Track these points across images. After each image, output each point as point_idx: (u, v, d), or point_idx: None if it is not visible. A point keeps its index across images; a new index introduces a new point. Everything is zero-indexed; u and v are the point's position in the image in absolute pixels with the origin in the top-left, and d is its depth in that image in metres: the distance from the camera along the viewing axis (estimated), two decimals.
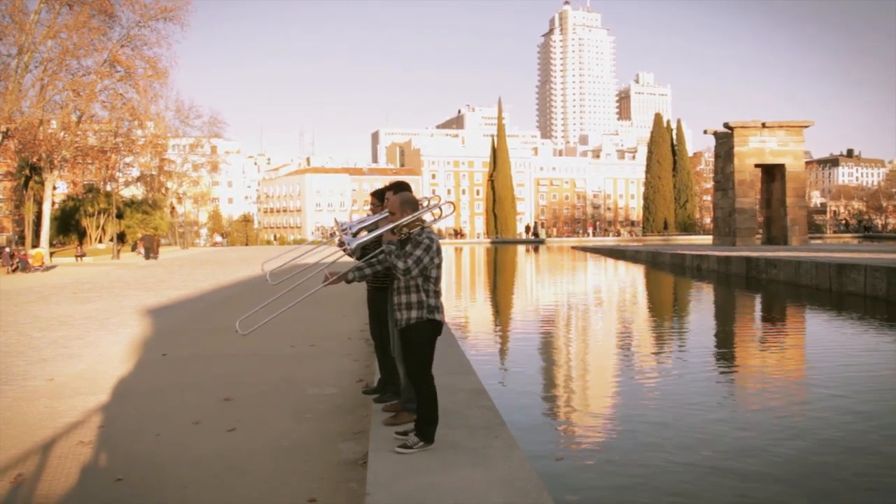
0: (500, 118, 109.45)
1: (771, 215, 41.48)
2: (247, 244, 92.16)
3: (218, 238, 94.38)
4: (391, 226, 4.99)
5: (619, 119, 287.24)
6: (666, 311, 19.92)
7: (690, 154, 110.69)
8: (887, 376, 10.33)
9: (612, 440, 7.24)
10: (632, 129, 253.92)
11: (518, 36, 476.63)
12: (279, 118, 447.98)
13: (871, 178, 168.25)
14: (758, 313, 18.88)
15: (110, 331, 12.38)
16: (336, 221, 5.59)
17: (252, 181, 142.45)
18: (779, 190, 40.41)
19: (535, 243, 78.94)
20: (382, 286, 5.87)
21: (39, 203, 44.58)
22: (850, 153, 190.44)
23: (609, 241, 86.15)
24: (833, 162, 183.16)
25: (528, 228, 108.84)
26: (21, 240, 54.30)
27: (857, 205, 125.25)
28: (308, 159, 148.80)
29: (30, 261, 32.60)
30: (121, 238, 53.93)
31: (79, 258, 43.23)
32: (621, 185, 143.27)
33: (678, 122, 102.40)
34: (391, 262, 4.87)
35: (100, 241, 55.69)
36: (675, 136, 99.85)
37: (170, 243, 68.33)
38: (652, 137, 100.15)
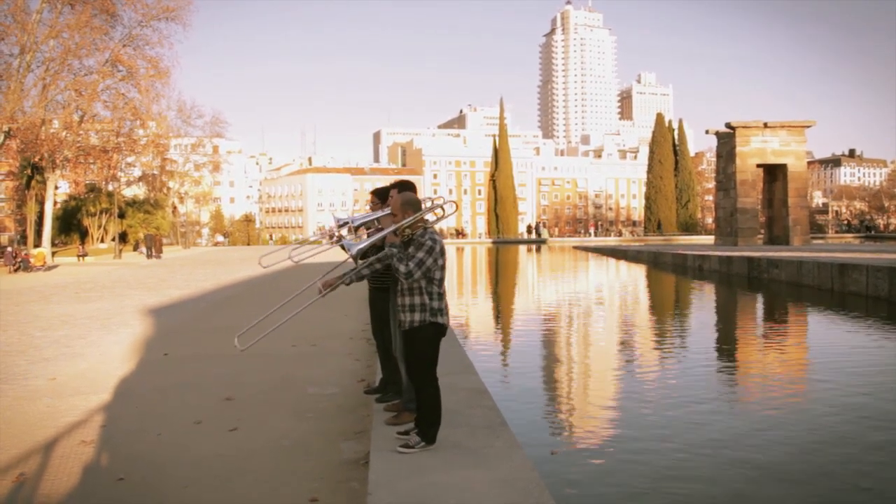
0: (501, 118, 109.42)
1: (773, 215, 41.44)
2: (248, 244, 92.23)
3: (220, 238, 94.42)
4: (393, 227, 4.97)
5: (620, 119, 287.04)
6: (667, 311, 19.90)
7: (692, 154, 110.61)
8: (889, 377, 10.32)
9: (613, 441, 7.23)
10: (633, 128, 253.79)
11: (520, 36, 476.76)
12: (281, 118, 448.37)
13: (874, 178, 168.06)
14: (759, 313, 18.87)
15: (112, 330, 12.38)
16: (335, 218, 5.57)
17: (254, 181, 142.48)
18: (781, 190, 40.37)
19: (537, 243, 78.90)
20: (384, 286, 5.86)
21: (41, 202, 44.63)
22: (852, 153, 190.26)
23: (610, 241, 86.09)
24: (835, 162, 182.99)
25: (529, 228, 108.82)
26: (23, 239, 54.34)
27: (859, 205, 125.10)
28: (310, 159, 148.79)
29: (31, 260, 32.64)
30: (122, 238, 53.95)
31: (80, 258, 43.27)
32: (623, 185, 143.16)
33: (680, 121, 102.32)
34: (393, 265, 4.85)
35: (101, 241, 55.72)
36: (676, 136, 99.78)
37: (171, 243, 68.35)
38: (653, 137, 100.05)
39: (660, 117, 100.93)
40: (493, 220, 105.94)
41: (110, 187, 57.66)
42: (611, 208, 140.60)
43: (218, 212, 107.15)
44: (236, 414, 6.59)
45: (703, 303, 21.96)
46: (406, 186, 5.49)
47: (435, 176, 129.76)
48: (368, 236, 5.57)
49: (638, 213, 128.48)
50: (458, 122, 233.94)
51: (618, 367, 11.31)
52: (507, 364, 11.68)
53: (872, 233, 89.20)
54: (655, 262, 36.74)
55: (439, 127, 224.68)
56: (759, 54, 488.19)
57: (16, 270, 31.51)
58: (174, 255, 50.28)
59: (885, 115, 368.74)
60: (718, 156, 43.40)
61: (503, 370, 11.08)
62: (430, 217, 5.23)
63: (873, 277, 18.68)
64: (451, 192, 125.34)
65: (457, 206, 5.59)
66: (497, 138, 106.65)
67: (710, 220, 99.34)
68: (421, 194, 5.45)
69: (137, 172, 64.21)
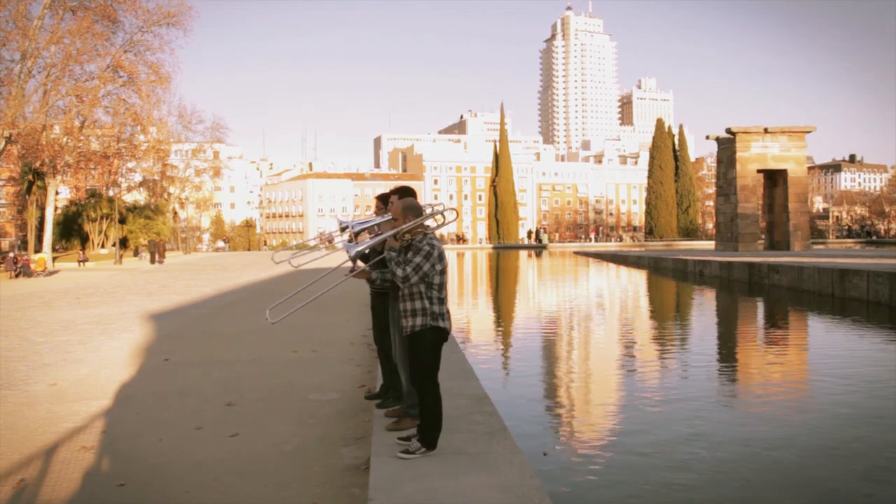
0: (502, 123, 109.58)
1: (773, 220, 41.46)
2: (249, 249, 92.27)
3: (220, 243, 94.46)
4: (393, 231, 4.99)
5: (621, 124, 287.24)
6: (668, 316, 19.90)
7: (692, 159, 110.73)
8: (890, 381, 10.31)
9: (612, 445, 7.23)
10: (634, 134, 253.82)
11: (520, 41, 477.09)
12: (282, 123, 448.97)
13: (874, 183, 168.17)
14: (760, 319, 18.85)
15: (112, 336, 12.38)
16: (339, 221, 5.58)
17: (254, 186, 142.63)
18: (781, 195, 40.40)
19: (538, 249, 78.90)
20: (384, 291, 5.87)
21: (42, 208, 44.69)
22: (852, 158, 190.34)
23: (611, 246, 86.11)
24: (835, 167, 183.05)
25: (530, 234, 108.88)
26: (24, 245, 54.39)
27: (859, 210, 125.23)
28: (310, 164, 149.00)
29: (32, 266, 32.64)
30: (123, 243, 54.00)
31: (81, 263, 43.27)
32: (623, 190, 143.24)
33: (680, 127, 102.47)
34: (391, 269, 4.87)
35: (102, 246, 55.78)
36: (677, 142, 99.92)
37: (172, 248, 68.43)
38: (654, 143, 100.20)
39: (660, 123, 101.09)
40: (494, 225, 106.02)
41: (111, 193, 57.72)
42: (611, 214, 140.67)
43: (218, 217, 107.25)
44: (237, 419, 6.58)
45: (704, 308, 21.96)
46: (406, 192, 5.51)
47: (436, 181, 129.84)
48: (369, 241, 5.58)
49: (638, 219, 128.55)
50: (459, 127, 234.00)
51: (618, 372, 11.30)
52: (508, 370, 11.68)
53: (873, 238, 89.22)
54: (656, 268, 36.75)
55: (440, 132, 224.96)
56: (759, 60, 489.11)
57: (16, 276, 31.52)
58: (175, 260, 50.30)
59: (886, 121, 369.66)
60: (719, 161, 43.44)
61: (504, 376, 11.08)
62: (430, 223, 5.25)
63: (874, 283, 18.68)
64: (451, 197, 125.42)
65: (457, 213, 5.60)
66: (498, 144, 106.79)
67: (710, 225, 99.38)
68: (421, 200, 5.47)
69: (138, 178, 64.29)
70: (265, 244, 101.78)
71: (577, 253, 61.99)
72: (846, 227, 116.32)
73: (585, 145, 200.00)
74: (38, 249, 42.26)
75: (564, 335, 15.71)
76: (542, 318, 18.79)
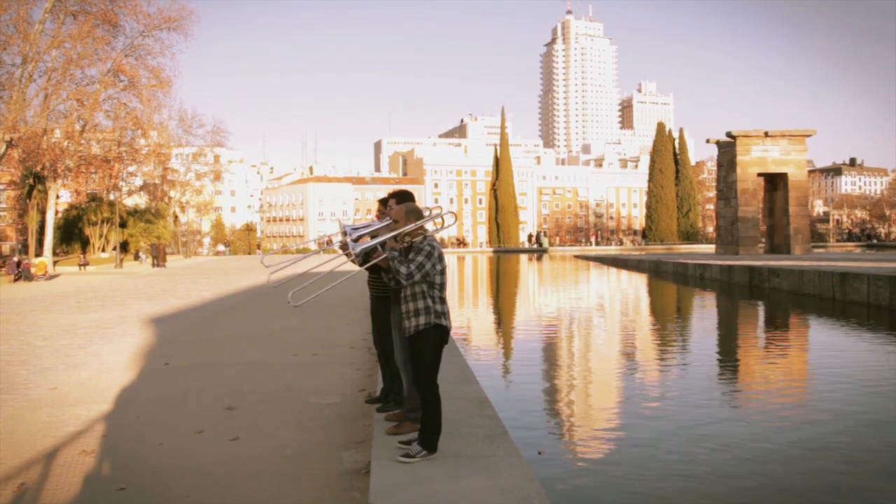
0: (502, 127, 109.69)
1: (774, 224, 41.46)
2: (249, 253, 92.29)
3: (221, 247, 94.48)
4: (395, 233, 5.03)
5: (621, 128, 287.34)
6: (669, 320, 19.89)
7: (693, 163, 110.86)
8: (891, 384, 10.31)
9: (615, 446, 7.23)
10: (634, 138, 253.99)
11: (521, 45, 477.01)
12: (282, 127, 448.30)
13: (874, 186, 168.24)
14: (761, 322, 18.85)
15: (113, 340, 12.38)
16: (340, 223, 5.59)
17: (255, 190, 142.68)
18: (781, 199, 40.41)
19: (538, 252, 78.90)
20: (385, 295, 5.89)
21: (43, 212, 44.72)
22: (852, 162, 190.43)
23: (611, 249, 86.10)
24: (836, 171, 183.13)
25: (530, 237, 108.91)
26: (24, 248, 54.37)
27: (859, 213, 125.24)
28: (311, 168, 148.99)
29: (33, 269, 32.65)
30: (124, 247, 54.03)
31: (82, 267, 43.31)
32: (624, 194, 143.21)
33: (680, 131, 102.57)
34: (394, 267, 4.92)
35: (103, 250, 55.81)
36: (677, 146, 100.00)
37: (173, 252, 68.47)
38: (654, 146, 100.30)
39: (660, 126, 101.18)
40: (494, 229, 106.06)
41: (111, 197, 57.79)
42: (612, 217, 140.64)
43: (219, 221, 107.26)
44: (237, 423, 6.59)
45: (705, 312, 21.96)
46: (405, 196, 5.54)
47: (436, 185, 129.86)
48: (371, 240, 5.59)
49: (639, 223, 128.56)
50: (459, 131, 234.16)
51: (619, 376, 11.30)
52: (509, 373, 11.67)
53: (873, 241, 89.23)
54: (656, 272, 36.75)
55: (440, 136, 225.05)
56: (759, 63, 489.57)
57: (17, 280, 31.53)
58: (176, 264, 50.32)
59: (886, 124, 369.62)
60: (719, 165, 43.45)
61: (504, 379, 11.08)
62: (429, 226, 5.30)
63: (874, 286, 18.68)
64: (451, 201, 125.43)
65: (456, 217, 5.62)
66: (498, 147, 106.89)
67: (710, 228, 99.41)
68: (421, 204, 5.50)
69: (139, 182, 64.40)
70: (258, 248, 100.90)
71: (577, 257, 61.99)
72: (846, 231, 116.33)
73: (586, 149, 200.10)
74: (38, 253, 42.27)
75: (565, 339, 15.71)
76: (543, 322, 18.79)
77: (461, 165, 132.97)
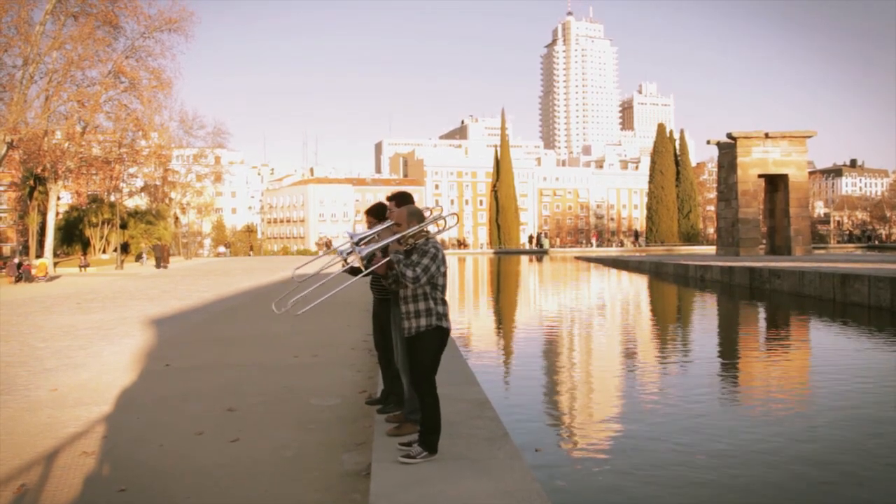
0: (503, 128, 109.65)
1: (774, 225, 41.44)
2: (250, 253, 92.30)
3: (221, 249, 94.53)
4: (398, 236, 5.03)
5: (622, 129, 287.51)
6: (669, 321, 19.88)
7: (693, 164, 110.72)
8: (891, 386, 10.30)
9: (616, 448, 7.22)
10: (635, 139, 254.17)
11: (521, 47, 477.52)
12: (283, 128, 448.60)
13: (875, 188, 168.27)
14: (762, 324, 18.84)
15: (113, 341, 12.38)
16: (349, 234, 5.53)
17: (255, 191, 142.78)
18: (782, 200, 40.38)
19: (539, 254, 78.89)
20: (387, 297, 5.88)
21: (43, 213, 44.73)
22: (853, 163, 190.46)
23: (612, 251, 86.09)
24: (836, 172, 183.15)
25: (531, 239, 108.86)
26: (25, 250, 54.43)
27: (860, 215, 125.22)
28: (311, 169, 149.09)
29: (33, 271, 32.66)
30: (124, 248, 54.03)
31: (82, 268, 43.32)
32: (624, 195, 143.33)
33: (681, 132, 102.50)
34: (400, 270, 4.92)
35: (103, 252, 55.82)
36: (678, 147, 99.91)
37: (174, 254, 68.50)
38: (655, 148, 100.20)
39: (661, 128, 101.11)
40: (495, 230, 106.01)
41: (112, 198, 57.82)
42: (612, 218, 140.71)
43: (220, 222, 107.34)
44: (238, 424, 6.58)
45: (705, 313, 21.94)
46: (405, 198, 5.53)
47: (436, 186, 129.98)
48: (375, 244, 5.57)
49: (639, 224, 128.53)
50: (460, 132, 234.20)
51: (620, 377, 11.29)
52: (510, 375, 11.66)
53: (874, 243, 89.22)
54: (657, 273, 36.72)
55: (441, 137, 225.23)
56: (760, 65, 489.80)
57: (17, 281, 31.53)
58: (177, 265, 50.32)
59: (887, 125, 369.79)
60: (720, 166, 43.44)
61: (505, 381, 11.06)
62: (431, 228, 5.30)
63: (875, 288, 18.66)
64: (452, 202, 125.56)
65: (458, 218, 5.63)
66: (498, 149, 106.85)
67: (711, 230, 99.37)
68: (422, 205, 5.49)
69: (139, 183, 64.42)
70: (251, 250, 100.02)
71: (578, 258, 61.96)
72: (847, 232, 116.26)
73: (586, 150, 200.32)
74: (39, 255, 42.27)
75: (566, 340, 15.70)
76: (544, 323, 18.78)
77: (462, 167, 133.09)
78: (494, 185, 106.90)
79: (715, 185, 56.51)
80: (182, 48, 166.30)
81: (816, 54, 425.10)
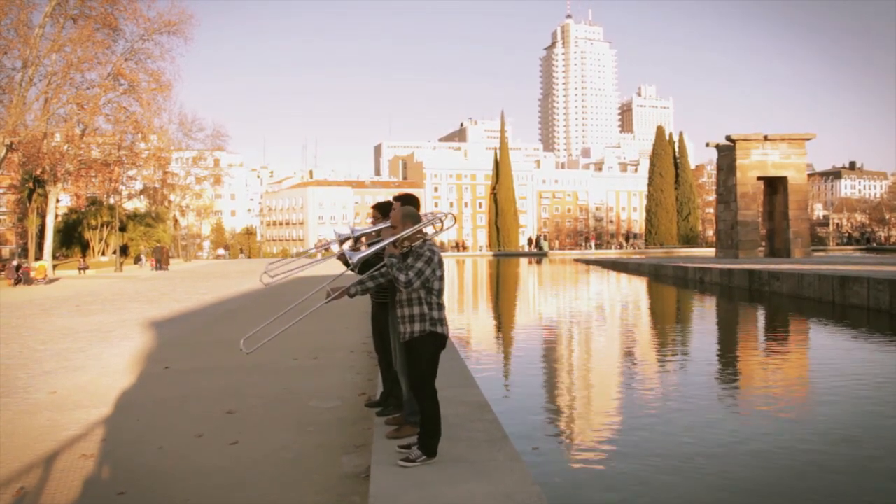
0: (502, 131, 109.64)
1: (773, 228, 41.44)
2: (250, 256, 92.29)
3: (221, 251, 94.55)
4: (392, 239, 5.01)
5: (621, 132, 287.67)
6: (668, 323, 19.88)
7: (693, 167, 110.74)
8: (891, 388, 10.30)
9: (614, 446, 7.22)
10: (634, 141, 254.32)
11: (520, 49, 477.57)
12: (282, 131, 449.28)
13: (874, 190, 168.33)
14: (761, 326, 18.84)
15: (113, 343, 12.38)
16: (336, 234, 5.56)
17: (255, 194, 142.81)
18: (781, 202, 40.38)
19: (538, 256, 78.87)
20: (386, 301, 5.87)
21: (43, 216, 44.72)
22: (852, 165, 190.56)
23: (611, 253, 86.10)
24: (836, 174, 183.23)
25: (530, 241, 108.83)
26: (24, 252, 54.42)
27: (859, 217, 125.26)
28: (311, 172, 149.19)
29: (32, 273, 32.64)
30: (124, 251, 54.01)
31: (82, 271, 43.30)
32: (623, 197, 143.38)
33: (680, 134, 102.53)
34: (393, 274, 4.89)
35: (103, 254, 55.82)
36: (677, 149, 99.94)
37: (173, 256, 68.49)
38: (654, 150, 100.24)
39: (660, 130, 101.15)
40: (494, 232, 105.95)
41: (111, 200, 57.80)
42: (611, 221, 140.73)
43: (219, 225, 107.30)
44: (237, 427, 6.58)
45: (705, 316, 21.94)
46: (409, 199, 5.49)
47: (436, 189, 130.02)
48: (369, 248, 5.57)
49: (639, 226, 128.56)
50: (459, 135, 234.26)
51: (619, 379, 11.29)
52: (509, 377, 11.66)
53: (873, 245, 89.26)
54: (656, 275, 36.72)
55: (440, 140, 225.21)
56: (759, 67, 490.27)
57: (16, 283, 31.51)
58: (176, 267, 50.33)
59: (886, 128, 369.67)
60: (719, 168, 43.45)
61: (504, 383, 11.06)
62: (429, 230, 5.26)
63: (874, 290, 18.67)
64: (451, 205, 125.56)
65: (455, 220, 5.60)
66: (498, 151, 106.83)
67: (710, 232, 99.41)
68: (422, 207, 5.47)
69: (139, 185, 64.43)
70: (241, 252, 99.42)
71: (577, 260, 61.95)
72: (846, 234, 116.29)
73: (585, 153, 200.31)
74: (38, 257, 42.25)
75: (565, 342, 15.70)
76: (543, 326, 18.78)
77: (461, 169, 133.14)
78: (494, 188, 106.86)
79: (714, 188, 56.49)
80: (181, 51, 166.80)
81: (815, 56, 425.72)
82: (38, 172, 42.92)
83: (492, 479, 4.43)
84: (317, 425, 6.58)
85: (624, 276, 39.62)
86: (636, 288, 32.36)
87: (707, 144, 44.60)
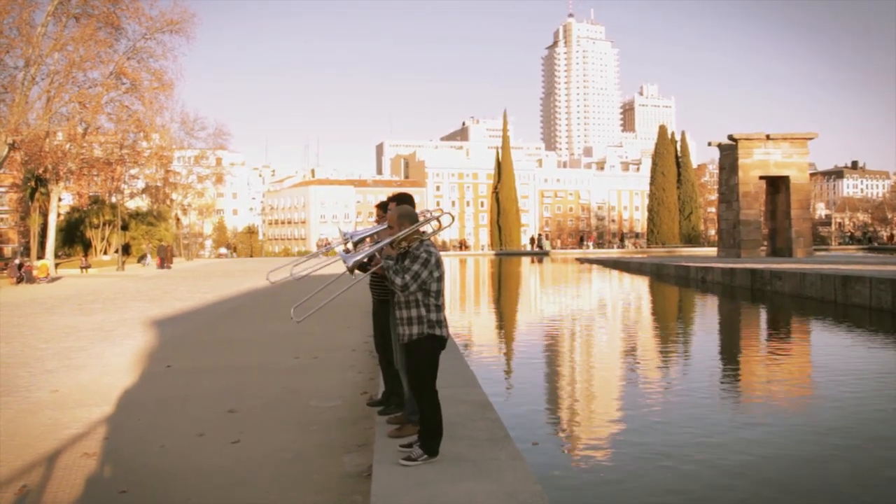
0: (504, 130, 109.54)
1: (776, 227, 41.40)
2: (251, 256, 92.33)
3: (223, 250, 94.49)
4: (389, 240, 4.98)
5: (623, 131, 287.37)
6: (670, 323, 19.86)
7: (695, 166, 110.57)
8: (892, 387, 10.29)
9: (616, 450, 7.21)
10: (636, 140, 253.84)
11: (523, 48, 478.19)
12: (284, 130, 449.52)
13: (876, 189, 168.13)
14: (763, 325, 18.82)
15: (115, 342, 12.39)
16: (340, 231, 5.57)
17: (257, 193, 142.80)
18: (783, 202, 40.35)
19: (540, 255, 78.82)
20: (388, 299, 5.87)
21: (45, 214, 44.72)
22: (854, 165, 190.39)
23: (613, 252, 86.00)
24: (838, 174, 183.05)
25: (532, 240, 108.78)
26: (26, 251, 54.44)
27: (861, 216, 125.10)
28: (313, 171, 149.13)
29: (34, 272, 32.66)
30: (126, 249, 54.02)
31: (84, 269, 43.30)
32: (626, 196, 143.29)
33: (682, 133, 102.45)
34: (389, 277, 4.86)
35: (105, 253, 55.81)
36: (679, 148, 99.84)
37: (175, 255, 68.49)
38: (656, 149, 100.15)
39: (662, 129, 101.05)
40: (496, 231, 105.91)
41: (114, 199, 57.76)
42: (613, 220, 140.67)
43: (221, 224, 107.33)
44: (239, 426, 6.58)
45: (706, 315, 21.92)
46: (404, 199, 5.49)
47: (438, 188, 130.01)
48: (368, 249, 5.56)
49: (641, 225, 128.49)
50: (461, 134, 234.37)
51: (621, 379, 11.28)
52: (511, 376, 11.65)
53: (875, 244, 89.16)
54: (658, 275, 36.70)
55: (442, 139, 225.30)
56: (761, 66, 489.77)
57: (19, 282, 31.53)
58: (178, 266, 50.33)
59: (888, 127, 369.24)
60: (721, 168, 43.41)
61: (506, 382, 11.05)
62: (427, 229, 5.23)
63: (876, 289, 18.65)
64: (453, 204, 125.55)
65: (453, 218, 5.57)
66: (500, 150, 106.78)
67: (712, 231, 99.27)
68: (423, 206, 5.46)
69: (141, 184, 64.37)
70: (234, 251, 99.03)
71: (579, 259, 61.91)
72: (848, 234, 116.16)
73: (587, 152, 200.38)
74: (40, 256, 42.24)
75: (567, 341, 15.69)
76: (545, 325, 18.76)
77: (463, 168, 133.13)
78: (495, 187, 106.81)
79: (716, 187, 56.44)
80: (183, 49, 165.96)
81: (818, 56, 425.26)
82: (40, 171, 42.89)
83: (494, 478, 4.43)
84: (318, 424, 6.58)
85: (626, 275, 39.60)
86: (638, 287, 32.34)
87: (709, 144, 44.56)
